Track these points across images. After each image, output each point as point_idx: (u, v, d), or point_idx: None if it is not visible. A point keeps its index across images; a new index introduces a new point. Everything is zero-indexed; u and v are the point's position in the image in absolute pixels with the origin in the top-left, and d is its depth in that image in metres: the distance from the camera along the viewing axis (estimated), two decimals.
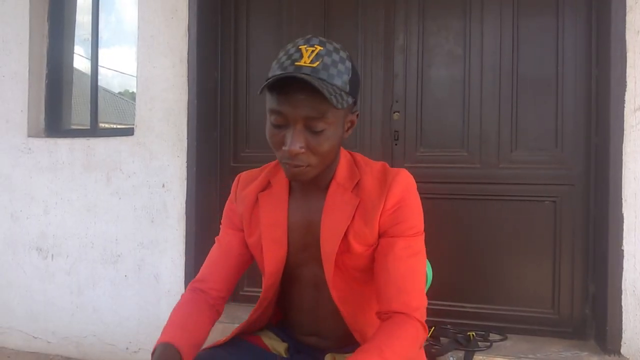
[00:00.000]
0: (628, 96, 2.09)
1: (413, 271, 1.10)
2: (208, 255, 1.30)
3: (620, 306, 2.08)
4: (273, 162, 1.27)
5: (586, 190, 2.25)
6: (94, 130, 3.05)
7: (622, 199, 2.08)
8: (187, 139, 2.66)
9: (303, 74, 0.99)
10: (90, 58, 3.11)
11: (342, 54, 1.06)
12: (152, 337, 2.75)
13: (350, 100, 1.06)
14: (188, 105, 2.66)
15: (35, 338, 3.04)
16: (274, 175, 1.24)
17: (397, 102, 2.48)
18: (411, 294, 1.08)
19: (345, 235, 1.12)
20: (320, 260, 1.15)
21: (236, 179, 1.33)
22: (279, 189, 1.21)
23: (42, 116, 3.12)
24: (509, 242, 2.34)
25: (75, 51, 3.29)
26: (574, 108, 2.28)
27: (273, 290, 1.21)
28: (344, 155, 1.19)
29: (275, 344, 1.28)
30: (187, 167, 2.66)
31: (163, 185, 2.72)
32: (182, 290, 2.68)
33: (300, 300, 1.23)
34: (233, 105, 2.78)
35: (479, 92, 2.38)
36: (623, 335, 2.08)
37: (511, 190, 2.34)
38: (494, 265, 2.34)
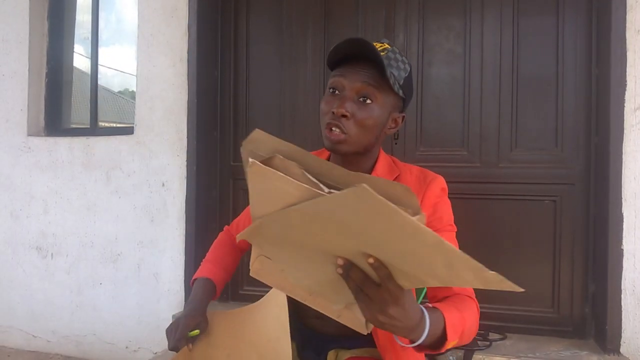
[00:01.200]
0: (628, 95, 2.09)
1: None
2: (245, 209, 1.46)
3: (620, 305, 2.08)
4: (316, 152, 1.35)
5: (586, 189, 2.25)
6: (93, 129, 3.05)
7: (622, 198, 2.08)
8: (187, 138, 2.66)
9: (369, 46, 1.08)
10: (90, 57, 3.11)
11: (405, 59, 1.19)
12: (152, 336, 2.76)
13: (400, 92, 1.15)
14: (188, 104, 2.66)
15: (35, 337, 3.04)
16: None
17: None
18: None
19: None
20: None
21: None
22: None
23: (42, 115, 3.12)
24: (508, 241, 2.34)
25: (75, 50, 3.30)
26: (574, 107, 2.27)
27: None
28: (384, 155, 1.28)
29: None
30: (187, 166, 2.66)
31: (163, 185, 2.72)
32: (182, 289, 2.68)
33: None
34: (233, 104, 2.78)
35: (479, 91, 2.38)
36: (622, 335, 2.08)
37: (511, 189, 2.34)
38: (494, 265, 2.32)
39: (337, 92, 1.14)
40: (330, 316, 0.96)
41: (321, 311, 0.97)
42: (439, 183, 1.24)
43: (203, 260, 1.43)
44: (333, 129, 1.12)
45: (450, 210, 1.25)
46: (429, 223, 1.17)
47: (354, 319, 0.91)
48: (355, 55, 1.12)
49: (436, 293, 1.17)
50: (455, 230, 1.24)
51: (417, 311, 0.87)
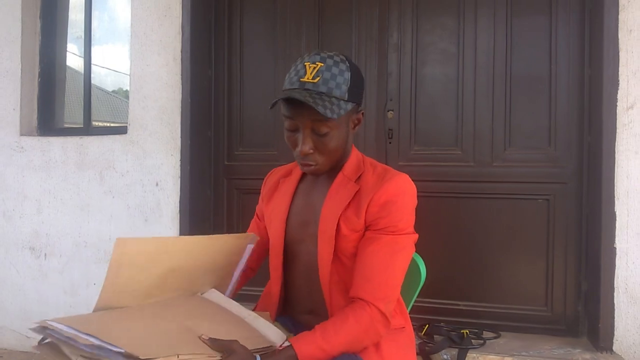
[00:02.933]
0: (620, 95, 2.10)
1: (388, 266, 1.20)
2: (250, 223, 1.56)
3: (613, 303, 2.09)
4: None
5: (579, 188, 2.26)
6: (87, 129, 3.04)
7: (614, 197, 2.09)
8: (181, 137, 2.65)
9: (305, 89, 1.19)
10: (83, 56, 3.09)
11: (342, 65, 1.22)
12: None
13: (349, 106, 1.22)
14: (182, 103, 2.65)
15: (28, 337, 3.02)
16: (296, 166, 1.45)
17: (391, 100, 2.48)
18: (379, 285, 1.19)
19: (338, 220, 1.26)
20: (313, 237, 1.31)
21: (269, 172, 1.55)
22: (294, 176, 1.43)
23: (35, 115, 3.10)
24: (502, 240, 2.35)
25: (68, 49, 3.28)
26: (567, 107, 2.28)
27: (278, 273, 1.36)
28: (356, 154, 1.36)
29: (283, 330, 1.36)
30: (181, 165, 2.65)
31: (157, 184, 2.72)
32: None
33: (298, 277, 1.36)
34: (227, 104, 2.78)
35: (473, 91, 2.38)
36: (615, 333, 2.09)
37: (504, 188, 2.34)
38: (488, 263, 2.35)
39: (293, 131, 1.26)
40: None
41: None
42: (397, 181, 1.25)
43: None
44: (304, 165, 1.26)
45: (407, 211, 1.25)
46: (373, 219, 1.23)
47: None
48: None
49: (349, 295, 1.23)
50: (408, 233, 1.25)
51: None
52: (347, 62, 1.23)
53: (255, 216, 1.54)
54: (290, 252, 1.36)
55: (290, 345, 1.08)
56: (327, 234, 1.27)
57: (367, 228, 1.25)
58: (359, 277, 1.21)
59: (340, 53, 1.26)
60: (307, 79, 1.19)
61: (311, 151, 1.23)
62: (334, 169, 1.32)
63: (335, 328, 1.13)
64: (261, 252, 1.49)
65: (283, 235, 1.35)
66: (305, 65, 1.21)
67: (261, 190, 1.51)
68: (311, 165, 1.25)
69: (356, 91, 1.24)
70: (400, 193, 1.24)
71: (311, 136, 1.22)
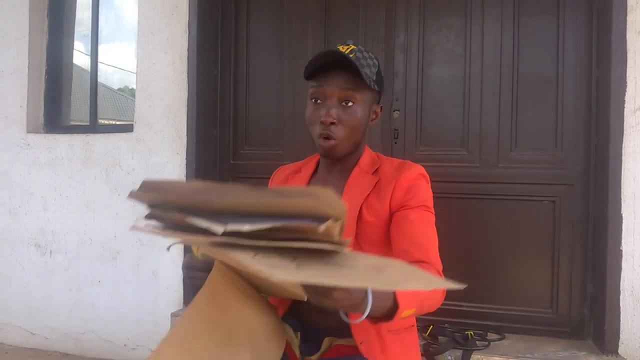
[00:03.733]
0: (628, 96, 2.09)
1: (428, 235, 1.26)
2: None
3: (619, 306, 2.08)
4: (310, 157, 1.51)
5: (585, 190, 2.25)
6: (93, 127, 3.05)
7: (621, 199, 2.09)
8: (187, 135, 2.66)
9: (338, 55, 1.21)
10: (90, 54, 3.11)
11: (371, 54, 1.30)
12: (150, 334, 2.75)
13: (376, 86, 1.28)
14: (188, 102, 2.66)
15: (34, 334, 3.04)
16: (306, 163, 1.49)
17: (397, 100, 2.48)
18: (430, 250, 1.22)
19: (360, 208, 1.29)
20: None
21: (276, 169, 1.55)
22: (305, 173, 1.45)
23: (42, 112, 3.12)
24: (507, 242, 2.34)
25: (75, 47, 3.29)
26: (574, 108, 2.27)
27: None
28: (369, 150, 1.41)
29: (289, 332, 1.36)
30: (187, 164, 2.66)
31: None
32: (181, 287, 2.68)
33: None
34: (233, 103, 2.78)
35: (479, 91, 2.38)
36: (621, 336, 2.08)
37: (510, 189, 2.34)
38: (493, 265, 2.35)
39: (319, 101, 1.26)
40: (270, 288, 1.08)
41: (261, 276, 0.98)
42: (416, 169, 1.33)
43: None
44: (325, 137, 1.26)
45: (428, 194, 1.32)
46: (401, 202, 1.28)
47: (294, 290, 0.98)
48: (329, 64, 1.23)
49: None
50: (431, 212, 1.31)
51: (360, 290, 0.89)
52: (374, 55, 1.32)
53: None
54: None
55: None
56: (348, 223, 1.23)
57: (393, 211, 1.28)
58: (409, 244, 1.22)
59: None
60: (340, 49, 1.25)
61: (335, 121, 1.24)
62: (348, 161, 1.36)
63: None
64: None
65: None
66: (337, 47, 1.27)
67: (269, 184, 1.51)
68: (332, 139, 1.26)
69: (381, 80, 1.31)
70: (421, 177, 1.33)
71: (337, 108, 1.25)
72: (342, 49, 1.25)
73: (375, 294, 0.92)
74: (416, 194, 1.29)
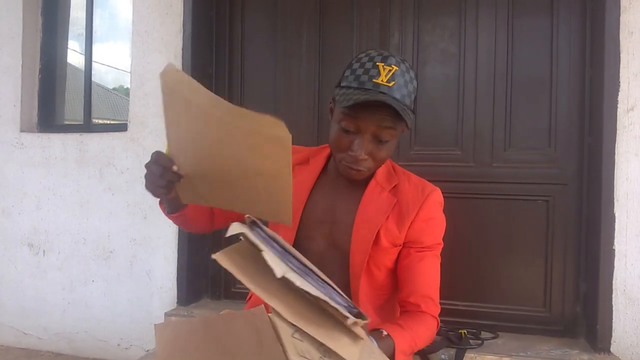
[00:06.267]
0: (621, 97, 2.10)
1: (435, 280, 1.29)
2: None
3: (611, 305, 2.09)
4: (317, 147, 1.43)
5: (579, 189, 2.26)
6: (87, 126, 3.04)
7: (614, 199, 2.10)
8: None
9: (381, 92, 1.11)
10: (84, 53, 3.10)
11: (412, 73, 1.19)
12: (144, 333, 2.75)
13: (413, 116, 1.18)
14: None
15: (26, 334, 3.02)
16: (315, 155, 1.39)
17: None
18: (434, 299, 1.27)
19: (378, 232, 1.25)
20: (328, 239, 1.29)
21: None
22: (313, 167, 1.36)
23: (35, 111, 3.10)
24: (501, 241, 2.34)
25: (69, 46, 3.28)
26: (567, 108, 2.28)
27: None
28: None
29: None
30: None
31: None
32: (175, 286, 2.67)
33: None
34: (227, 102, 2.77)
35: (473, 91, 2.38)
36: (613, 334, 2.09)
37: (504, 189, 2.34)
38: (486, 264, 2.35)
39: (350, 130, 1.16)
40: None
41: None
42: (437, 196, 1.31)
43: None
44: (353, 170, 1.19)
45: (443, 227, 1.33)
46: (419, 236, 1.27)
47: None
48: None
49: (406, 301, 1.28)
50: (441, 246, 1.32)
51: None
52: (414, 71, 1.20)
53: None
54: (298, 248, 1.33)
55: (389, 335, 1.10)
56: (363, 244, 1.25)
57: (408, 244, 1.27)
58: (417, 286, 1.26)
59: (404, 59, 1.22)
60: (382, 81, 1.12)
61: (367, 158, 1.17)
62: (364, 177, 1.30)
63: (418, 328, 1.19)
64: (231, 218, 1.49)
65: (296, 230, 1.30)
66: (378, 66, 1.14)
67: None
68: (361, 170, 1.20)
69: (415, 101, 1.23)
70: (439, 209, 1.31)
71: (371, 142, 1.17)
72: (383, 71, 1.13)
73: (382, 348, 1.03)
74: (434, 229, 1.29)
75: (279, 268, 0.78)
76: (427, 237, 1.28)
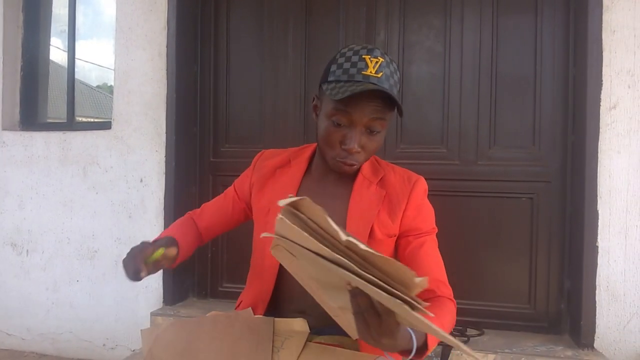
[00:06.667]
0: (604, 94, 2.12)
1: (440, 262, 1.30)
2: (215, 198, 1.50)
3: (595, 301, 2.12)
4: (297, 147, 1.42)
5: (562, 187, 2.28)
6: (70, 124, 3.00)
7: (597, 195, 2.12)
8: (166, 133, 2.63)
9: (372, 83, 1.12)
10: (67, 50, 3.06)
11: (394, 65, 1.20)
12: (129, 333, 2.73)
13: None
14: (167, 99, 2.63)
15: (10, 335, 2.99)
16: (295, 156, 1.38)
17: None
18: (444, 281, 1.27)
19: (372, 225, 1.25)
20: None
21: (260, 153, 1.46)
22: (296, 169, 1.35)
23: (17, 109, 3.06)
24: (486, 238, 2.36)
25: (51, 43, 3.23)
26: (551, 106, 2.30)
27: (274, 271, 1.30)
28: None
29: None
30: (166, 161, 2.63)
31: (141, 180, 2.69)
32: (160, 286, 2.65)
33: (292, 277, 1.34)
34: (213, 100, 2.76)
35: (459, 90, 2.39)
36: (596, 330, 2.12)
37: (489, 186, 2.36)
38: (472, 261, 2.37)
39: (341, 124, 1.17)
40: (328, 312, 1.06)
41: (322, 305, 1.06)
42: (422, 184, 1.32)
43: (164, 231, 1.41)
44: (346, 164, 1.20)
45: (433, 212, 1.33)
46: (414, 224, 1.28)
47: (348, 324, 0.97)
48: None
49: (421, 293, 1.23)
50: (436, 231, 1.33)
51: (406, 337, 0.94)
52: (395, 63, 1.22)
53: (233, 191, 1.45)
54: None
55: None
56: (358, 238, 1.25)
57: (405, 233, 1.28)
58: (425, 273, 1.19)
59: (385, 52, 1.24)
60: (370, 72, 1.14)
61: (360, 150, 1.18)
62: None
63: (444, 314, 1.18)
64: (222, 225, 1.46)
65: None
66: (365, 59, 1.16)
67: (251, 170, 1.43)
68: (354, 164, 1.20)
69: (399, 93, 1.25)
70: (425, 195, 1.32)
71: (363, 134, 1.18)
72: (370, 63, 1.15)
73: (417, 337, 0.98)
74: (426, 215, 1.30)
75: (343, 232, 0.78)
76: (422, 223, 1.28)
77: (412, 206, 1.27)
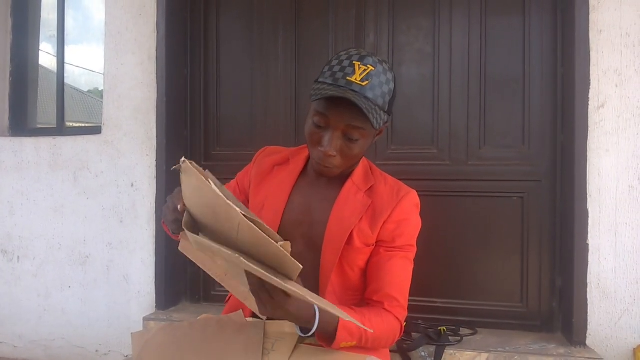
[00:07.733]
0: (592, 94, 2.14)
1: (403, 280, 1.29)
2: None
3: (586, 299, 2.13)
4: (297, 147, 1.46)
5: (552, 186, 2.29)
6: (60, 129, 2.99)
7: (587, 194, 2.13)
8: (157, 137, 2.62)
9: (352, 90, 1.12)
10: (56, 55, 3.04)
11: (389, 75, 1.19)
12: (122, 339, 2.71)
13: (386, 118, 1.21)
14: (157, 103, 2.62)
15: (1, 343, 2.96)
16: (295, 155, 1.41)
17: None
18: (400, 300, 1.27)
19: (351, 232, 1.26)
20: (306, 238, 1.30)
21: (262, 149, 1.49)
22: (293, 168, 1.38)
23: (7, 115, 3.04)
24: (478, 238, 2.37)
25: (41, 48, 3.22)
26: (540, 106, 2.32)
27: None
28: (363, 161, 1.37)
29: None
30: (157, 166, 2.63)
31: (132, 185, 2.68)
32: (153, 290, 2.64)
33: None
34: (203, 103, 2.75)
35: (448, 90, 2.41)
36: (588, 327, 2.13)
37: (480, 186, 2.37)
38: (464, 261, 2.37)
39: (321, 126, 1.19)
40: (238, 297, 1.16)
41: (231, 292, 1.15)
42: (412, 198, 1.32)
43: None
44: (322, 166, 1.22)
45: (416, 229, 1.33)
46: (390, 236, 1.28)
47: (253, 304, 1.07)
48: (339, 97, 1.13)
49: (371, 298, 1.29)
50: (414, 248, 1.32)
51: (308, 310, 1.06)
52: (392, 73, 1.21)
53: (235, 183, 1.48)
54: None
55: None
56: (335, 243, 1.26)
57: (379, 243, 1.28)
58: (379, 286, 1.26)
59: (385, 60, 1.23)
60: (355, 79, 1.14)
61: (335, 154, 1.19)
62: (342, 175, 1.31)
63: (374, 318, 1.19)
64: None
65: (277, 230, 1.31)
66: (354, 64, 1.15)
67: (251, 165, 1.45)
68: (329, 168, 1.22)
69: (393, 103, 1.23)
70: (414, 211, 1.31)
71: (340, 140, 1.18)
72: (358, 70, 1.14)
73: (321, 317, 1.09)
74: (404, 230, 1.28)
75: (220, 190, 0.92)
76: (398, 238, 1.28)
77: (394, 219, 1.27)
